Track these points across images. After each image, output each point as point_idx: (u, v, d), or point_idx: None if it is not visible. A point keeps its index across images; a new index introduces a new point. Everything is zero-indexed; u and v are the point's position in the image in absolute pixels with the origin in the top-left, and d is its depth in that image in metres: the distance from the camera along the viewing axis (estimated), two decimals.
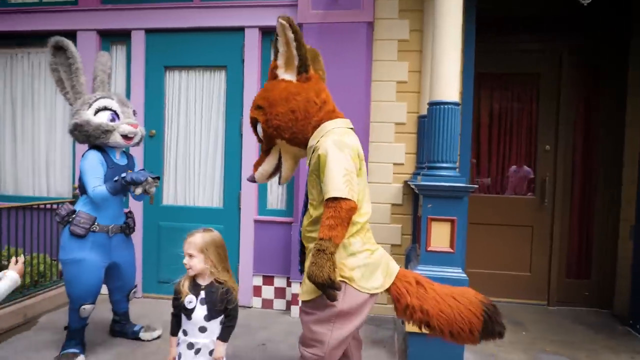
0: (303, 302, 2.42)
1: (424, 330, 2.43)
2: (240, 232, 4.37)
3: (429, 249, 3.23)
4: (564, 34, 4.54)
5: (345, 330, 2.33)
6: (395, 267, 2.47)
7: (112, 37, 4.62)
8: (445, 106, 3.19)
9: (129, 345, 3.46)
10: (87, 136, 3.19)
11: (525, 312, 4.44)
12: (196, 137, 4.57)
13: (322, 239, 2.14)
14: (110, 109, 3.25)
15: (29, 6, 4.73)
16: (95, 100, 3.24)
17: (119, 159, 3.30)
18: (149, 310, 4.20)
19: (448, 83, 3.22)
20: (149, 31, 4.48)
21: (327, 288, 2.12)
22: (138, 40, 4.49)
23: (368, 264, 2.34)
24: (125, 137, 3.23)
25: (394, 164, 4.23)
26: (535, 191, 4.68)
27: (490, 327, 2.33)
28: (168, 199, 4.61)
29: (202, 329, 2.33)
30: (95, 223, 3.15)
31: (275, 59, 2.48)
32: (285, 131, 2.42)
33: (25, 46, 4.85)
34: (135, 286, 3.61)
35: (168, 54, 4.50)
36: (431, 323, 2.35)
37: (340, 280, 2.27)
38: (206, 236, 2.35)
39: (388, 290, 2.41)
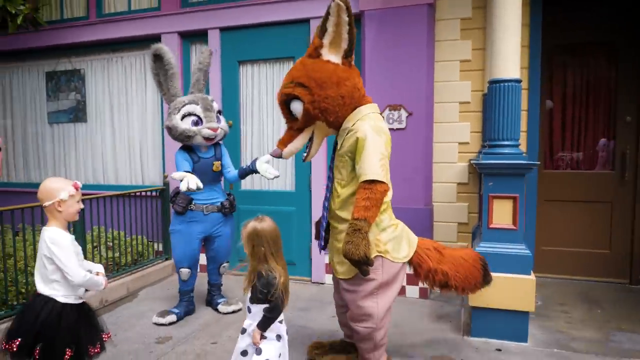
0: (344, 281, 2.64)
1: (438, 289, 2.76)
2: (311, 214, 4.64)
3: (491, 226, 3.29)
4: None
5: (388, 299, 2.57)
6: (414, 238, 2.71)
7: (191, 37, 5.06)
8: (506, 84, 3.20)
9: (214, 315, 3.87)
10: (175, 138, 3.72)
11: (604, 291, 4.30)
12: (269, 125, 4.89)
13: (357, 219, 2.33)
14: (194, 114, 3.67)
15: (120, 14, 5.30)
16: (183, 106, 3.68)
17: (204, 152, 3.76)
18: (230, 286, 4.62)
19: (508, 60, 3.23)
20: (223, 29, 4.84)
21: (362, 265, 2.32)
22: (214, 38, 4.87)
23: (396, 237, 2.57)
24: (206, 139, 3.65)
25: (459, 143, 4.26)
26: (614, 166, 4.47)
27: (486, 278, 2.82)
28: (245, 184, 4.99)
29: (249, 310, 2.36)
30: (192, 203, 3.69)
31: (321, 37, 2.53)
32: (331, 114, 2.53)
33: (118, 51, 5.44)
34: (228, 262, 4.05)
35: (241, 49, 4.84)
36: (449, 283, 2.63)
37: (377, 255, 2.49)
38: (251, 226, 2.29)
39: (410, 259, 2.62)
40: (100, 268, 2.50)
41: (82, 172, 5.82)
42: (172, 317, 3.69)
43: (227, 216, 3.90)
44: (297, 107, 2.57)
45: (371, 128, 2.46)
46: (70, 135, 5.84)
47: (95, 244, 4.31)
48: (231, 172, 3.93)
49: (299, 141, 2.70)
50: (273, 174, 3.60)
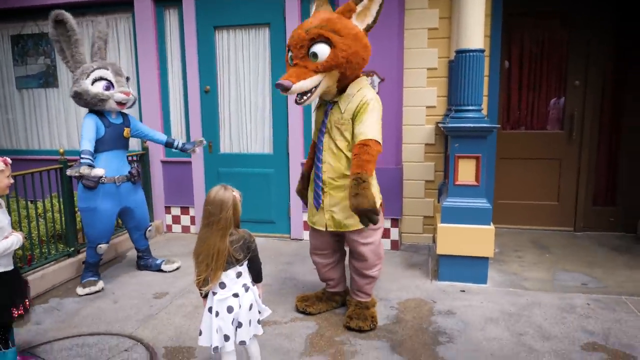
0: (358, 233, 2.96)
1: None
2: (289, 175, 4.92)
3: (456, 183, 3.68)
4: None
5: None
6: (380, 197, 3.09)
7: (165, 2, 5.08)
8: (471, 54, 3.52)
9: (152, 275, 4.11)
10: (86, 103, 3.68)
11: (552, 238, 4.85)
12: (246, 91, 5.06)
13: (359, 173, 2.66)
14: (105, 79, 3.71)
15: None
16: (93, 71, 3.69)
17: (114, 118, 3.82)
18: None
19: (473, 32, 3.53)
20: None
21: (372, 213, 2.66)
22: (189, 4, 4.92)
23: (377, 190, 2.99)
24: (119, 103, 3.71)
25: (427, 107, 4.59)
26: (563, 126, 4.93)
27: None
28: (224, 148, 5.19)
29: (222, 285, 2.32)
30: (103, 176, 3.62)
31: (357, 3, 2.79)
32: (350, 69, 2.78)
33: (88, 15, 5.38)
34: (151, 225, 4.20)
35: (217, 15, 4.92)
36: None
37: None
38: (230, 195, 2.28)
39: None
40: (11, 236, 2.56)
41: (55, 138, 5.83)
42: (101, 283, 3.77)
43: (135, 184, 3.97)
44: (323, 49, 2.71)
45: (375, 98, 2.85)
46: (42, 101, 5.80)
47: (76, 208, 4.44)
48: (157, 135, 4.17)
49: (311, 81, 2.74)
50: (200, 141, 4.22)
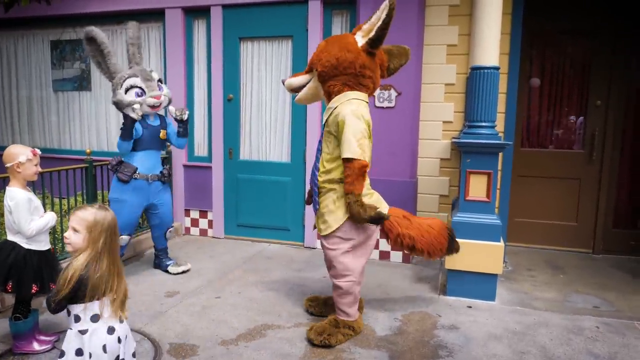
0: (324, 238, 3.08)
1: (408, 252, 3.19)
2: (305, 184, 5.01)
3: (467, 198, 3.69)
4: None
5: (364, 257, 3.07)
6: (386, 207, 3.13)
7: (194, 13, 5.28)
8: (485, 71, 3.55)
9: (166, 274, 4.23)
10: (123, 110, 3.96)
11: (568, 259, 4.77)
12: (267, 101, 5.19)
13: (347, 194, 2.85)
14: (137, 86, 3.93)
15: None
16: (124, 81, 3.92)
17: (152, 120, 4.06)
18: (230, 248, 5.02)
19: (488, 48, 3.57)
20: (225, 6, 5.07)
21: (376, 220, 2.86)
22: (216, 15, 5.10)
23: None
24: (152, 106, 3.94)
25: (443, 121, 4.62)
26: (584, 146, 4.87)
27: (452, 246, 3.23)
28: (244, 155, 5.32)
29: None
30: (137, 172, 3.93)
31: (364, 23, 3.00)
32: (320, 66, 2.99)
33: (123, 23, 5.60)
34: (172, 226, 4.37)
35: (242, 27, 5.09)
36: (416, 246, 3.07)
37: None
38: (99, 214, 2.04)
39: (382, 225, 3.04)
40: (47, 214, 2.83)
41: (86, 138, 6.09)
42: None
43: (165, 184, 4.19)
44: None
45: (351, 112, 2.86)
46: (75, 102, 6.09)
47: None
48: (178, 140, 4.32)
49: (299, 79, 3.21)
50: (180, 109, 4.10)
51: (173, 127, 4.29)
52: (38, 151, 2.81)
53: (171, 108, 4.18)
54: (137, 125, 3.94)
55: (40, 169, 2.86)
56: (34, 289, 2.71)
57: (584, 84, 4.82)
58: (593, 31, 4.73)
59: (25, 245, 2.72)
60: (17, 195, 2.68)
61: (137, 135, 3.95)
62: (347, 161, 2.83)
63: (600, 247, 4.92)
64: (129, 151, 3.97)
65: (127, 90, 3.92)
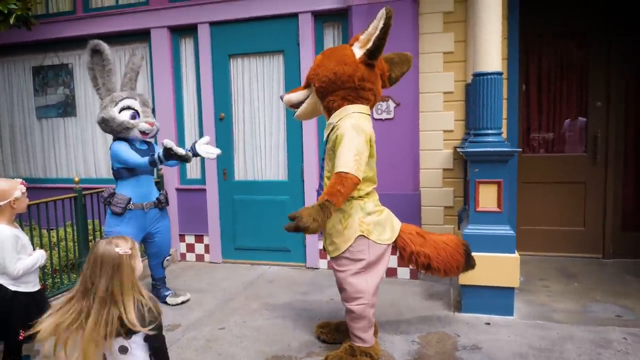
0: (334, 260, 2.89)
1: (423, 271, 3.01)
2: (304, 202, 4.83)
3: (477, 209, 3.53)
4: None
5: (376, 277, 2.87)
6: (398, 224, 2.96)
7: (181, 32, 5.13)
8: (489, 76, 3.42)
9: (164, 305, 3.89)
10: (111, 129, 3.77)
11: (579, 266, 4.63)
12: (260, 118, 5.03)
13: (327, 200, 2.54)
14: (132, 108, 3.80)
15: (107, 9, 5.32)
16: (121, 100, 3.79)
17: (140, 145, 3.86)
18: (229, 274, 4.80)
19: (490, 54, 3.44)
20: (213, 24, 4.93)
21: (298, 229, 2.45)
22: (204, 33, 4.95)
23: (379, 221, 2.84)
24: (143, 132, 3.77)
25: (444, 131, 4.48)
26: (587, 148, 4.77)
27: (469, 263, 3.05)
28: (239, 175, 5.13)
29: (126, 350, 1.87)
30: (131, 202, 3.72)
31: (361, 34, 2.86)
32: (318, 82, 2.86)
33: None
34: (170, 255, 4.17)
35: (231, 43, 4.94)
36: (432, 265, 2.89)
37: (361, 235, 2.78)
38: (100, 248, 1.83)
39: (395, 242, 2.88)
40: (35, 252, 2.67)
41: (73, 165, 5.86)
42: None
43: (162, 210, 4.00)
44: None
45: (351, 126, 2.70)
46: (60, 129, 5.87)
47: (90, 238, 4.40)
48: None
49: (297, 94, 3.10)
50: (215, 152, 3.80)
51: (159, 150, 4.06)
52: (25, 183, 2.65)
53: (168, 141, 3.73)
54: (128, 149, 3.73)
55: (28, 200, 2.70)
56: (21, 335, 2.47)
57: (583, 86, 4.74)
58: (588, 32, 4.66)
59: (12, 287, 2.50)
60: (3, 232, 2.48)
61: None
62: (343, 174, 2.62)
63: (610, 251, 4.79)
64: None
65: (121, 110, 3.76)
